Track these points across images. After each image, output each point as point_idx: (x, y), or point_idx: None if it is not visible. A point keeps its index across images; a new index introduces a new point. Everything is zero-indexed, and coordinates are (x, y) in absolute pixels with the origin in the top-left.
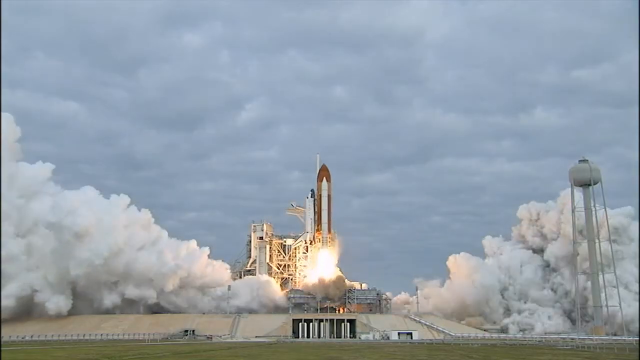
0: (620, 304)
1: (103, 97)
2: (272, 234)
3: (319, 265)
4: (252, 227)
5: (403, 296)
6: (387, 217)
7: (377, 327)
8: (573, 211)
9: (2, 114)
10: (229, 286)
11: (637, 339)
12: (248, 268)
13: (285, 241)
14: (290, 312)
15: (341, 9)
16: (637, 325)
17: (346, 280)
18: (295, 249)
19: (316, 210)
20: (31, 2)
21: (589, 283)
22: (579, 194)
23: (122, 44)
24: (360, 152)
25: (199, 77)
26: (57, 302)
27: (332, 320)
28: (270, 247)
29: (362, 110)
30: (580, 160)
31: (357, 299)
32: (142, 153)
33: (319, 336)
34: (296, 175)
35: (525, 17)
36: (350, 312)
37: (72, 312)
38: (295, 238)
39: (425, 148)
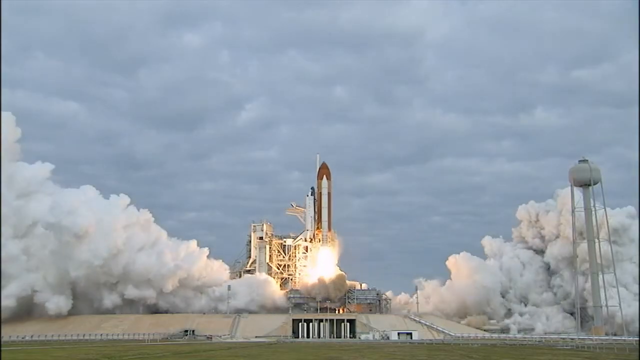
0: (620, 304)
1: (103, 97)
2: (272, 234)
3: (319, 264)
4: (252, 227)
5: (403, 296)
6: (387, 217)
7: (377, 327)
8: (573, 211)
9: (4, 112)
10: (229, 286)
11: (637, 339)
12: (248, 268)
13: (285, 241)
14: (290, 312)
15: (341, 9)
16: (637, 325)
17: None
18: (295, 248)
19: (316, 208)
20: (31, 2)
21: (589, 284)
22: (579, 194)
23: (122, 44)
24: (360, 152)
25: (199, 77)
26: (57, 303)
27: (332, 321)
28: (270, 247)
29: (362, 110)
30: (580, 160)
31: (357, 299)
32: (142, 153)
33: (318, 336)
34: (296, 175)
35: (525, 17)
36: (350, 312)
37: (72, 312)
38: (295, 237)
39: (425, 148)
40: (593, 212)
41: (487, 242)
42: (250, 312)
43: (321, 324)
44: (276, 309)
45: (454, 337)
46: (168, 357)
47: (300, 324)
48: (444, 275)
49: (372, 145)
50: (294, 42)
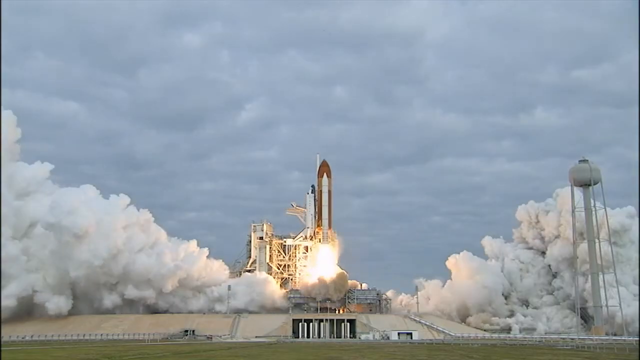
0: (620, 304)
1: (103, 97)
2: (272, 234)
3: (319, 262)
4: (252, 227)
5: (404, 297)
6: (387, 217)
7: (377, 327)
8: (573, 211)
9: (5, 110)
10: (229, 286)
11: (637, 339)
12: (248, 268)
13: (285, 241)
14: (290, 312)
15: (341, 9)
16: (637, 325)
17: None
18: (295, 248)
19: (316, 206)
20: (31, 2)
21: (589, 284)
22: (579, 193)
23: (122, 44)
24: (360, 152)
25: (199, 77)
26: (57, 303)
27: (332, 321)
28: (270, 247)
29: (362, 110)
30: (580, 160)
31: (357, 299)
32: (142, 153)
33: (319, 336)
34: (296, 175)
35: (525, 17)
36: (350, 312)
37: (72, 312)
38: (296, 236)
39: (425, 148)
40: (593, 212)
41: (488, 242)
42: (250, 312)
43: (321, 324)
44: (276, 309)
45: (454, 337)
46: (168, 357)
47: (300, 324)
48: (444, 275)
49: (372, 145)
50: (294, 42)
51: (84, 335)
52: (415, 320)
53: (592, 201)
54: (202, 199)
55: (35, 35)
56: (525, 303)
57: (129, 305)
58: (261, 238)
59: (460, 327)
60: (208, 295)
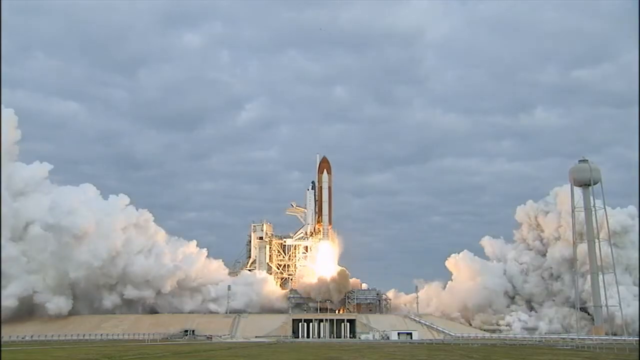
0: (620, 304)
1: (103, 97)
2: (272, 234)
3: (319, 259)
4: (252, 227)
5: (404, 297)
6: (387, 217)
7: (377, 327)
8: (573, 211)
9: (6, 109)
10: (229, 286)
11: (637, 339)
12: (248, 268)
13: (285, 241)
14: (290, 312)
15: (341, 9)
16: (637, 325)
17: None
18: (295, 248)
19: (316, 202)
20: (31, 2)
21: (589, 285)
22: (578, 193)
23: (122, 44)
24: (360, 152)
25: (199, 77)
26: (57, 303)
27: (332, 321)
28: (270, 247)
29: (362, 110)
30: (580, 160)
31: (357, 299)
32: (142, 153)
33: (318, 336)
34: (296, 175)
35: (525, 17)
36: (350, 312)
37: (72, 312)
38: (295, 234)
39: (425, 148)
40: (593, 212)
41: (487, 243)
42: (250, 312)
43: (321, 324)
44: (276, 309)
45: (454, 337)
46: (168, 357)
47: (300, 324)
48: (444, 275)
49: (372, 145)
50: (294, 42)
51: (84, 336)
52: (415, 320)
53: (592, 201)
54: (202, 199)
55: (35, 35)
56: (528, 305)
57: (129, 306)
58: (261, 238)
59: (460, 327)
60: (206, 296)
